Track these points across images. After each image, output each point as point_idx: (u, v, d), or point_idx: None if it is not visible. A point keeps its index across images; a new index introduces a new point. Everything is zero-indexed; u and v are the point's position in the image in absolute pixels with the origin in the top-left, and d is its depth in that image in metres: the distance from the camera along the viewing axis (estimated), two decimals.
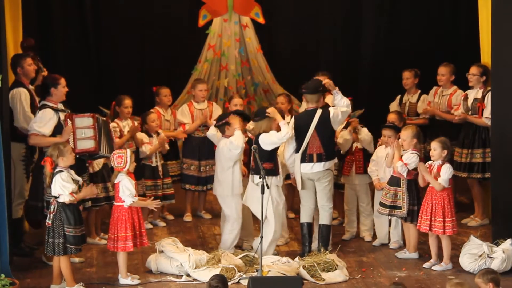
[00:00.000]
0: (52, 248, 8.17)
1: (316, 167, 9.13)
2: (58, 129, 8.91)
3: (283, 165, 9.38)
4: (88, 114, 9.05)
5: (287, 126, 9.06)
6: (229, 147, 9.15)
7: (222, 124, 9.33)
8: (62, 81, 9.06)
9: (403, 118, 10.04)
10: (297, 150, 9.16)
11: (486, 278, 7.13)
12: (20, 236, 9.34)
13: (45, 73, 9.65)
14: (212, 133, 9.51)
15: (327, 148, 9.16)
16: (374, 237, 9.79)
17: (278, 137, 9.03)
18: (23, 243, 9.36)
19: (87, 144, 8.95)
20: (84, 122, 8.97)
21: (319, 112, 9.13)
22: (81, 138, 8.90)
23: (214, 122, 9.59)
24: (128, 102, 10.16)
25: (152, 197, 8.63)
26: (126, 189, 8.36)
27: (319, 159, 9.12)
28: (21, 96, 9.07)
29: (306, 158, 9.13)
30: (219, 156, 9.33)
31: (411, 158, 9.02)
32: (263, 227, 8.73)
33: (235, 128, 9.22)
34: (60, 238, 8.14)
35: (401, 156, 9.08)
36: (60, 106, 9.07)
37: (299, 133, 9.14)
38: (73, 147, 8.76)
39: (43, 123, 8.84)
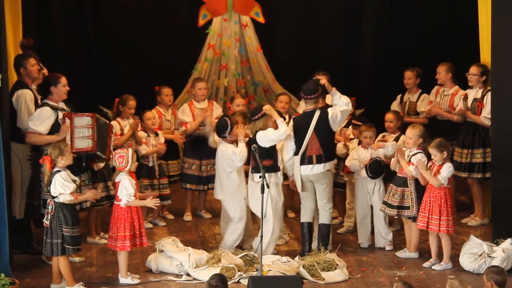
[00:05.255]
0: (51, 248, 8.17)
1: (315, 169, 9.12)
2: (56, 128, 8.89)
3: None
4: (88, 113, 9.04)
5: (285, 124, 9.05)
6: (232, 158, 9.12)
7: (224, 136, 9.31)
8: (63, 80, 9.05)
9: (400, 117, 10.06)
10: (296, 152, 9.15)
11: (489, 277, 7.13)
12: (30, 235, 9.36)
13: (44, 71, 9.63)
14: (213, 145, 9.51)
15: (327, 149, 9.15)
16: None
17: (276, 134, 9.02)
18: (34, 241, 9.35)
19: (84, 144, 8.94)
20: (83, 121, 8.96)
21: (317, 113, 9.11)
22: (79, 137, 8.88)
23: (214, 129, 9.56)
24: (133, 103, 10.15)
25: (152, 196, 8.60)
26: (124, 189, 8.37)
27: (319, 161, 9.11)
28: (26, 98, 9.05)
29: (305, 160, 9.12)
30: (221, 160, 9.30)
31: (419, 159, 9.00)
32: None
33: (239, 139, 9.20)
34: (58, 238, 8.14)
35: (409, 161, 9.07)
36: (62, 105, 9.06)
37: (298, 134, 9.12)
38: (70, 146, 8.75)
39: (39, 121, 8.83)
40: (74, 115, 8.94)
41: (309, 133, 9.07)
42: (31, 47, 9.80)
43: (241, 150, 9.14)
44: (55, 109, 8.95)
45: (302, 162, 9.13)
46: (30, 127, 8.83)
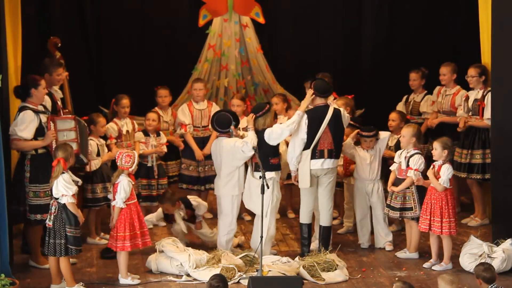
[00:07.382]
0: (54, 249, 8.17)
1: (326, 164, 9.07)
2: (40, 132, 8.70)
3: (286, 165, 9.34)
4: (70, 116, 8.97)
5: (298, 116, 8.97)
6: (243, 149, 9.01)
7: (226, 131, 9.26)
8: (43, 82, 8.84)
9: (404, 118, 10.08)
10: (307, 146, 9.08)
11: (477, 274, 7.36)
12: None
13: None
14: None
15: (337, 145, 9.14)
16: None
17: (282, 126, 8.97)
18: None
19: None
20: (66, 124, 8.85)
21: (331, 108, 9.10)
22: (63, 140, 8.71)
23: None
24: (125, 102, 10.16)
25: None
26: (123, 191, 8.37)
27: (330, 156, 9.06)
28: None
29: (316, 154, 9.05)
30: (226, 155, 9.16)
31: (417, 161, 9.02)
32: (257, 224, 8.70)
33: (249, 128, 9.15)
34: (61, 238, 8.14)
35: (407, 162, 9.07)
36: (40, 108, 8.87)
37: (311, 128, 9.04)
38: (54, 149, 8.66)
39: (23, 126, 8.58)
40: (57, 118, 8.83)
41: (323, 126, 9.02)
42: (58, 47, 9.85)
43: (252, 138, 9.01)
44: (36, 112, 8.74)
45: (313, 156, 9.07)
46: (16, 134, 8.57)
